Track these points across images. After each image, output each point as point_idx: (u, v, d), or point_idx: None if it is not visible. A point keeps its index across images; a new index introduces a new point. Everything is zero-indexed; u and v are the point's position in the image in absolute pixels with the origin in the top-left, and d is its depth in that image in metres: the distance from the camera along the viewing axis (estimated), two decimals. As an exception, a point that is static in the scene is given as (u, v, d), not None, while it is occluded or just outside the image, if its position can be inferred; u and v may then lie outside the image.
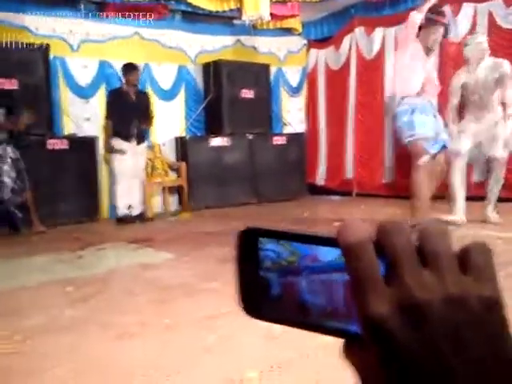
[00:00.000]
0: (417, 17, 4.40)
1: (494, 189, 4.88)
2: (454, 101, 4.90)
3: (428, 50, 4.48)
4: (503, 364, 0.28)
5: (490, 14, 6.13)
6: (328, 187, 8.06)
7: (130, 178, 6.10)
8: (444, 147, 4.55)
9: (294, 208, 6.76)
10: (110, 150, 6.07)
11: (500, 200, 5.08)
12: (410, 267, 0.29)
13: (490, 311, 0.29)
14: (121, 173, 6.04)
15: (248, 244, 0.35)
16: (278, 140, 7.72)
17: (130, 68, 6.07)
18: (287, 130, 8.28)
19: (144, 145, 6.27)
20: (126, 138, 6.01)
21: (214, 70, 7.24)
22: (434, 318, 0.28)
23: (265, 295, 0.34)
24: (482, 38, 4.80)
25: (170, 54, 7.18)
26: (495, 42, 6.07)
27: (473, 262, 0.30)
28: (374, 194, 7.11)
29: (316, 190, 8.06)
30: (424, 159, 4.39)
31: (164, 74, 7.18)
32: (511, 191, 5.80)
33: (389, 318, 0.28)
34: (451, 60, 6.40)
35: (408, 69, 4.44)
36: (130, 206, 6.15)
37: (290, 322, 0.33)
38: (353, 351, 0.32)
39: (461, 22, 6.32)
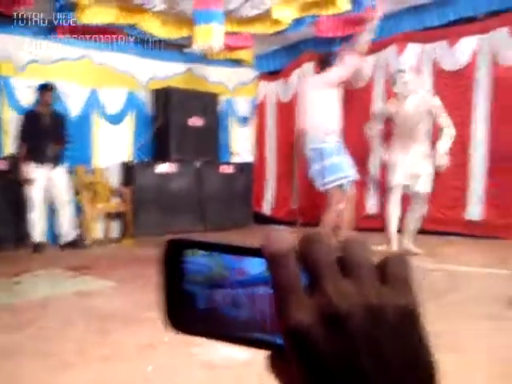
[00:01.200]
0: (356, 61, 4.63)
1: (413, 224, 4.94)
2: (374, 125, 5.08)
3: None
4: (418, 372, 0.29)
5: (435, 55, 6.39)
6: (274, 216, 8.10)
7: (50, 203, 5.98)
8: (351, 181, 4.85)
9: (239, 236, 6.74)
10: (20, 182, 5.79)
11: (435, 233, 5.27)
12: (330, 277, 0.30)
13: (406, 320, 0.29)
14: (33, 200, 5.80)
15: (173, 256, 0.34)
16: (226, 169, 7.73)
17: (43, 88, 5.92)
18: (235, 159, 8.32)
19: (61, 168, 6.04)
20: (41, 161, 5.81)
21: (164, 97, 7.23)
22: (353, 327, 0.28)
23: (190, 308, 0.33)
24: (407, 77, 4.94)
25: (120, 79, 7.10)
26: (440, 83, 6.36)
27: (391, 272, 0.31)
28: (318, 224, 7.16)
29: (263, 219, 8.08)
30: (340, 206, 4.70)
31: (112, 98, 7.09)
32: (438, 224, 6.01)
33: (310, 328, 0.29)
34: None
35: (331, 108, 4.73)
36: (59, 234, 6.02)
37: (216, 336, 0.33)
38: (277, 364, 0.32)
39: (406, 62, 6.56)
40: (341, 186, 4.76)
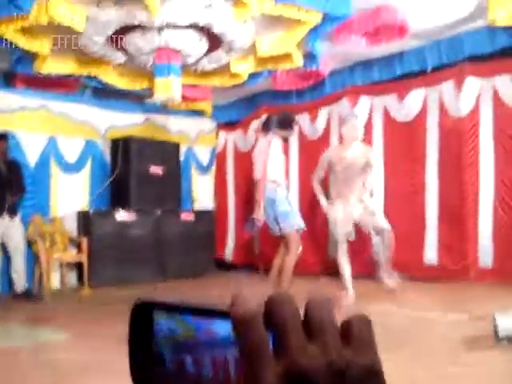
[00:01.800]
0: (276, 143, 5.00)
1: (384, 256, 5.09)
2: (320, 173, 5.23)
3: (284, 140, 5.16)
4: None
5: (385, 108, 6.68)
6: (236, 263, 8.11)
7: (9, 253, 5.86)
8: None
9: (199, 285, 6.69)
10: None
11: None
12: (296, 341, 0.30)
13: (369, 381, 0.30)
14: None
15: (142, 316, 0.35)
16: (187, 216, 7.73)
17: None
18: (196, 206, 8.35)
19: (17, 218, 5.98)
20: None
21: (123, 146, 7.25)
22: None
23: (157, 369, 0.34)
24: (356, 122, 5.20)
25: (78, 128, 7.12)
26: (390, 135, 6.62)
27: (354, 333, 0.32)
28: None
29: (224, 266, 8.07)
30: (300, 250, 4.94)
31: (70, 147, 7.08)
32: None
33: None
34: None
35: (277, 160, 4.98)
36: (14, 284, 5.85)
37: None
38: None
39: (359, 114, 6.83)
40: (297, 230, 4.94)
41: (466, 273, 5.78)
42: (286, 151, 6.62)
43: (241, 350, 0.30)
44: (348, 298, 4.96)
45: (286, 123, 5.15)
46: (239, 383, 0.32)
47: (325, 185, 5.31)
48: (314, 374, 0.29)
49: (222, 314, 0.32)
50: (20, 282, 5.92)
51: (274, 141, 5.02)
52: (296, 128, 5.30)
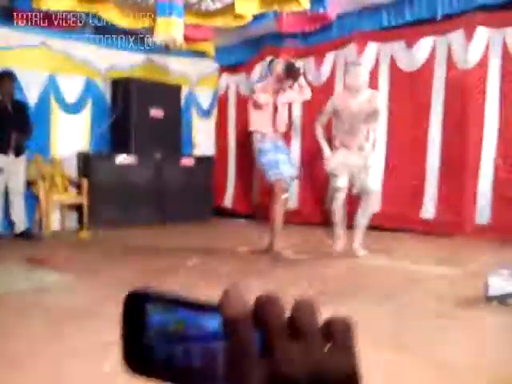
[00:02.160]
0: (261, 97, 4.92)
1: (363, 222, 4.95)
2: (324, 120, 5.12)
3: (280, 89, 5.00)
4: None
5: (392, 56, 6.52)
6: (235, 210, 8.13)
7: (9, 193, 5.90)
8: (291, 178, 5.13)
9: (198, 229, 6.76)
10: None
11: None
12: (280, 342, 0.32)
13: (347, 382, 0.32)
14: None
15: (135, 307, 0.36)
16: (187, 161, 7.70)
17: (3, 77, 5.82)
18: (197, 151, 8.30)
19: (23, 157, 6.00)
20: (4, 150, 5.75)
21: (123, 87, 7.13)
22: None
23: (149, 358, 0.35)
24: (361, 71, 4.94)
25: (78, 67, 6.98)
26: (396, 84, 6.49)
27: (335, 336, 0.33)
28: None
29: (224, 213, 8.11)
30: (285, 196, 4.97)
31: (70, 87, 6.95)
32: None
33: None
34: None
35: (262, 110, 4.94)
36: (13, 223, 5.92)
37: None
38: None
39: (365, 60, 6.67)
40: (281, 179, 4.96)
41: (462, 228, 5.81)
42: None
43: (229, 348, 0.32)
44: (336, 249, 5.01)
45: (289, 74, 5.00)
46: (226, 377, 0.33)
47: (328, 130, 5.23)
48: (296, 376, 0.31)
49: (212, 309, 0.33)
50: (20, 222, 5.97)
51: (257, 91, 4.99)
52: (301, 77, 5.13)
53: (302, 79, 5.10)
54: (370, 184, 4.87)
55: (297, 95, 5.20)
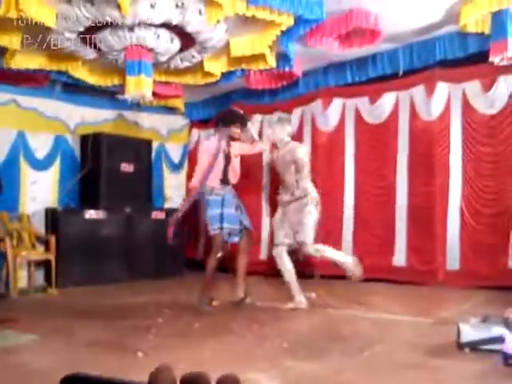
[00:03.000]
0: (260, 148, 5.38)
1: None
2: (266, 179, 5.29)
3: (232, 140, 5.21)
4: None
5: (357, 109, 6.73)
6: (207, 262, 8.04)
7: None
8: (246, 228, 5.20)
9: (169, 285, 6.67)
10: None
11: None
12: None
13: None
14: None
15: None
16: (158, 214, 7.65)
17: None
18: (168, 204, 8.28)
19: None
20: None
21: (92, 142, 7.13)
22: None
23: None
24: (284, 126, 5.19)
25: (48, 124, 7.00)
26: (362, 135, 6.68)
27: None
28: (252, 271, 7.21)
29: (196, 265, 8.00)
30: (220, 254, 5.07)
31: (39, 143, 6.94)
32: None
33: None
34: (320, 147, 6.91)
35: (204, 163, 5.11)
36: None
37: None
38: None
39: (330, 115, 6.88)
40: (229, 234, 5.11)
41: (434, 275, 5.88)
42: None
43: None
44: (302, 307, 4.93)
45: (226, 120, 5.24)
46: None
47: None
48: None
49: None
50: None
51: (205, 143, 5.20)
52: (250, 124, 5.34)
53: (253, 133, 5.38)
54: (302, 236, 4.94)
55: (248, 148, 5.37)
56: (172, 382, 0.34)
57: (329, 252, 4.96)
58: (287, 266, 5.07)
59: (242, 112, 5.46)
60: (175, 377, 0.35)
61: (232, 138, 5.23)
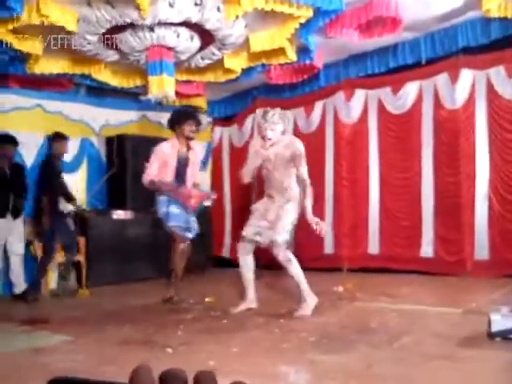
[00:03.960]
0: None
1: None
2: (250, 166, 4.69)
3: (186, 141, 5.24)
4: None
5: (380, 100, 6.67)
6: (234, 259, 8.09)
7: (8, 255, 5.93)
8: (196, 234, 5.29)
9: (199, 280, 6.71)
10: None
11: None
12: None
13: None
14: None
15: None
16: (184, 213, 7.70)
17: (6, 142, 5.94)
18: (192, 203, 8.34)
19: (21, 219, 6.06)
20: (3, 214, 5.82)
21: (117, 144, 7.23)
22: None
23: None
24: (275, 118, 4.45)
25: (73, 127, 7.10)
26: (385, 126, 6.63)
27: None
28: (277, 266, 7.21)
29: (223, 263, 8.07)
30: (182, 246, 5.15)
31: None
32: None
33: None
34: (343, 140, 6.88)
35: (164, 164, 5.16)
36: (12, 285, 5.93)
37: None
38: None
39: (353, 107, 6.83)
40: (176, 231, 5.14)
41: (462, 266, 5.80)
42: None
43: None
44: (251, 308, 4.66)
45: (179, 121, 5.25)
46: None
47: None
48: None
49: None
50: (19, 283, 5.95)
51: (164, 144, 5.24)
52: (204, 122, 5.33)
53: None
54: (278, 235, 4.40)
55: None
56: (151, 381, 0.35)
57: (299, 273, 4.43)
58: (249, 264, 4.72)
59: (193, 110, 5.50)
60: (153, 376, 0.35)
61: (189, 138, 5.23)
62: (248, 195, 7.97)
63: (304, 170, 4.45)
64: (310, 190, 4.45)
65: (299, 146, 4.48)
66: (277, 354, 3.22)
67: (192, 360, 3.09)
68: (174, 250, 5.14)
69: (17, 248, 5.98)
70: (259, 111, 4.92)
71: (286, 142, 4.51)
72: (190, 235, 5.22)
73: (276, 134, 4.47)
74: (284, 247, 4.46)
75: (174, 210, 5.09)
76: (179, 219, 5.10)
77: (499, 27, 5.30)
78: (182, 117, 5.28)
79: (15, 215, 5.93)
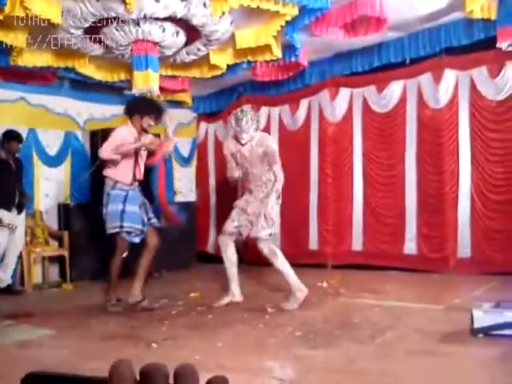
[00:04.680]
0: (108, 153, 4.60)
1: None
2: (232, 164, 4.74)
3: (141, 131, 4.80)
4: None
5: (364, 99, 6.72)
6: (219, 255, 8.09)
7: (9, 249, 5.83)
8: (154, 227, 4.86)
9: (182, 277, 6.71)
10: None
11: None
12: None
13: None
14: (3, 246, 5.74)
15: None
16: (168, 208, 7.67)
17: (13, 138, 5.88)
18: (178, 198, 8.33)
19: (23, 214, 6.01)
20: (9, 207, 5.75)
21: (102, 138, 7.15)
22: None
23: None
24: (249, 123, 4.51)
25: (57, 120, 7.04)
26: (370, 124, 6.68)
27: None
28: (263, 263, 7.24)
29: (208, 258, 8.07)
30: (124, 255, 4.75)
31: (50, 140, 7.00)
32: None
33: None
34: (328, 137, 6.92)
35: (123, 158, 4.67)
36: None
37: None
38: None
39: (338, 105, 6.87)
40: (128, 233, 4.69)
41: (445, 263, 5.88)
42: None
43: None
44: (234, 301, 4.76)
45: (141, 110, 4.81)
46: None
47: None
48: None
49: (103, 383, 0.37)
50: (7, 276, 5.86)
51: (123, 129, 4.78)
52: (168, 119, 5.07)
53: (170, 129, 5.09)
54: (261, 230, 4.52)
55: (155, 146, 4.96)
56: (131, 375, 0.36)
57: (286, 266, 4.56)
58: (231, 258, 4.82)
59: (159, 103, 5.07)
60: (134, 371, 0.37)
61: (144, 130, 4.83)
62: (233, 191, 7.98)
63: (277, 168, 4.55)
64: (278, 187, 4.53)
65: (270, 143, 4.62)
66: (262, 349, 3.25)
67: (177, 355, 3.10)
68: (118, 255, 4.76)
69: (19, 243, 5.92)
70: (232, 116, 4.60)
71: (258, 139, 4.62)
72: (137, 240, 4.76)
73: (250, 135, 4.57)
74: (269, 242, 4.52)
75: (132, 208, 4.63)
76: (136, 219, 4.67)
77: (482, 28, 5.37)
78: (146, 108, 4.85)
79: (19, 210, 5.89)
